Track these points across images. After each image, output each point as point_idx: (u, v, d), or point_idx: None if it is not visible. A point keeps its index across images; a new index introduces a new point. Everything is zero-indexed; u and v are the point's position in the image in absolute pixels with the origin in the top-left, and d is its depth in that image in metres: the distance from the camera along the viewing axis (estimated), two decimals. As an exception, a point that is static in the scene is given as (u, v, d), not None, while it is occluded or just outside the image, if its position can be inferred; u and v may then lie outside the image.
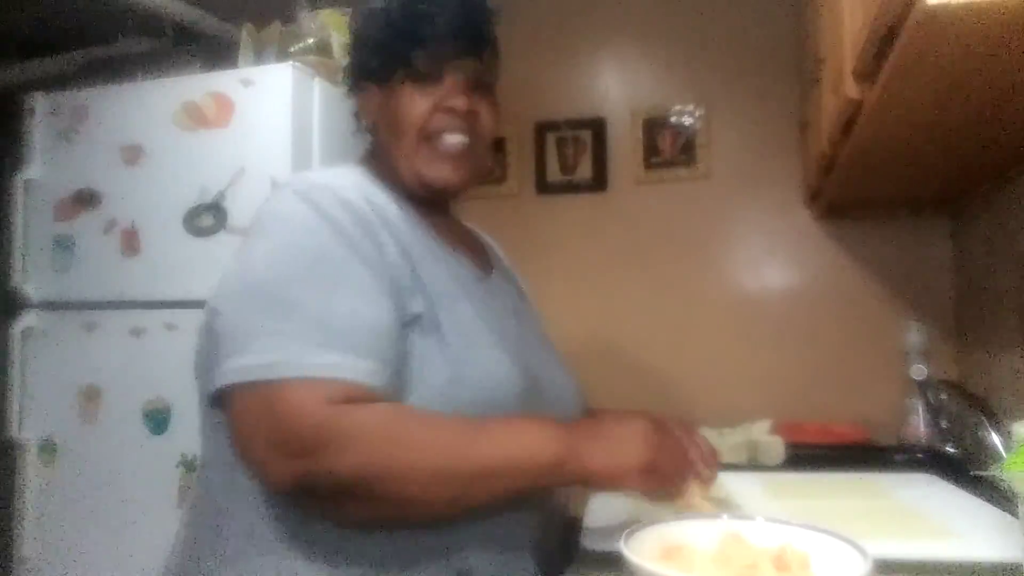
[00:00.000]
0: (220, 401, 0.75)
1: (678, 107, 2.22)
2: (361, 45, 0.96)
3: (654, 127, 2.25)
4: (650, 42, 2.27)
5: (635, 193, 2.25)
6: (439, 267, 0.87)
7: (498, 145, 2.36)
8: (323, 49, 1.83)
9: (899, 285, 2.01)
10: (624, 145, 2.27)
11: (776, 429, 1.53)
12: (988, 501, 1.03)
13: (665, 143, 2.24)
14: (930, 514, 0.99)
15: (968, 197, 1.76)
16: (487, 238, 1.17)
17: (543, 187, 2.33)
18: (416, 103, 0.89)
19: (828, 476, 1.27)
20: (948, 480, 1.24)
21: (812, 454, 1.49)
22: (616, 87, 2.29)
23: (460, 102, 0.90)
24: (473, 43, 0.93)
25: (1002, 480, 0.72)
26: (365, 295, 0.76)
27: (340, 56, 1.87)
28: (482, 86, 0.94)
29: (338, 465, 0.68)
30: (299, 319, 0.73)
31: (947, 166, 1.44)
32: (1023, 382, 1.42)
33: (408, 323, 0.79)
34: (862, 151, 1.30)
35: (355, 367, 0.72)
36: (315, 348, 0.71)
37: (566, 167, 2.31)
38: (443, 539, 0.79)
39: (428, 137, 0.90)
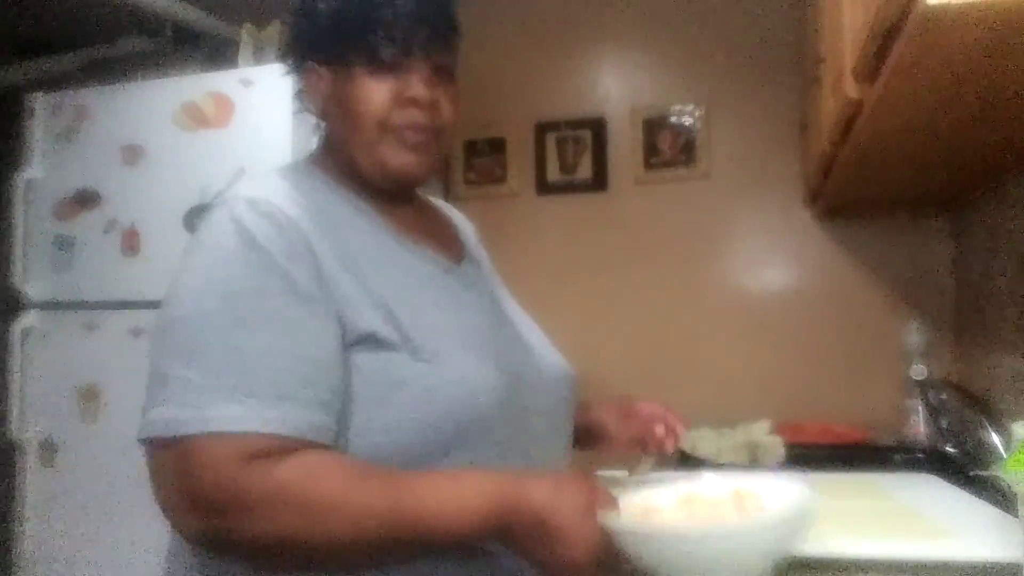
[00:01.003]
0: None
1: (678, 107, 2.23)
2: (309, 21, 0.87)
3: (654, 127, 2.25)
4: (650, 42, 2.27)
5: (635, 193, 2.25)
6: (396, 271, 0.82)
7: (498, 145, 2.36)
8: (323, 49, 1.82)
9: (899, 285, 2.01)
10: (624, 145, 2.27)
11: (776, 429, 1.53)
12: (988, 501, 1.03)
13: (665, 143, 2.24)
14: (930, 514, 0.99)
15: (968, 197, 1.76)
16: (457, 216, 1.08)
17: (543, 187, 2.33)
18: (375, 93, 0.82)
19: (828, 476, 1.27)
20: (948, 480, 1.24)
21: (812, 454, 1.49)
22: (616, 87, 2.29)
23: (423, 93, 0.83)
24: (439, 28, 0.87)
25: (1002, 480, 0.72)
26: (285, 330, 0.71)
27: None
28: (445, 75, 0.88)
29: (243, 528, 0.65)
30: (205, 365, 0.68)
31: (947, 166, 1.44)
32: (1023, 382, 1.42)
33: (360, 341, 0.74)
34: (862, 151, 1.30)
35: (264, 418, 0.67)
36: (220, 401, 0.66)
37: (566, 167, 2.31)
38: None
39: (391, 128, 0.83)
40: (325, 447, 0.70)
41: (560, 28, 2.32)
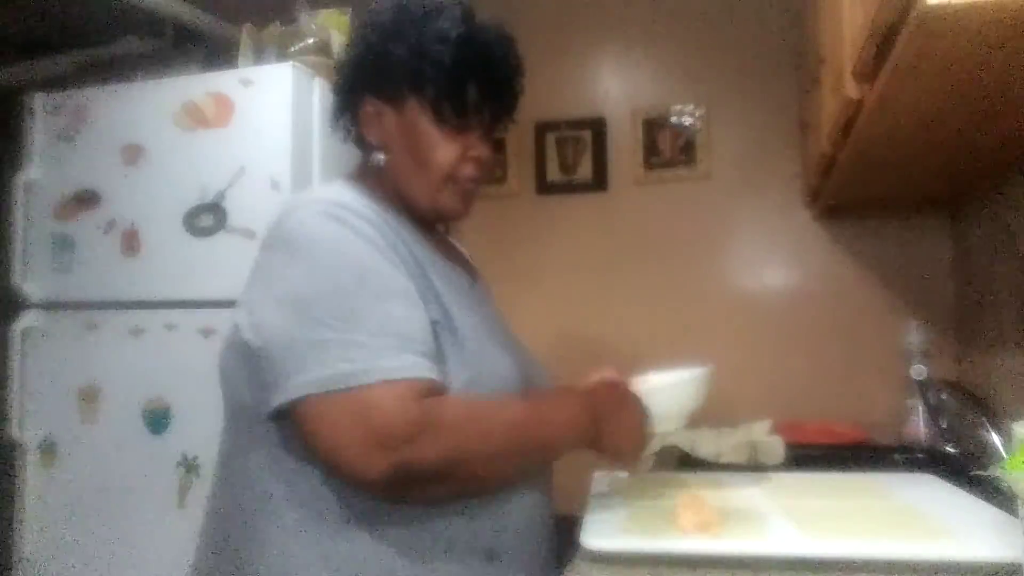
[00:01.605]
0: (281, 414, 0.81)
1: (678, 107, 2.23)
2: (379, 57, 0.94)
3: (654, 127, 2.25)
4: (650, 42, 2.27)
5: (635, 193, 2.25)
6: (442, 276, 0.93)
7: (498, 145, 2.36)
8: (323, 49, 1.83)
9: (899, 285, 2.01)
10: (624, 145, 2.27)
11: (776, 429, 1.53)
12: (988, 501, 1.03)
13: (665, 143, 2.24)
14: (930, 514, 0.98)
15: (968, 197, 1.76)
16: (460, 246, 1.22)
17: (543, 187, 2.33)
18: (446, 147, 0.93)
19: (828, 476, 1.27)
20: (948, 480, 1.23)
21: (812, 454, 1.49)
22: (616, 87, 2.29)
23: (484, 152, 0.96)
24: (510, 100, 0.99)
25: (1002, 480, 0.72)
26: (411, 301, 0.84)
27: (340, 55, 1.87)
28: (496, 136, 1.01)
29: (431, 452, 0.77)
30: (365, 328, 0.79)
31: (947, 166, 1.44)
32: (1023, 382, 1.42)
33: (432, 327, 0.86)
34: (862, 151, 1.30)
35: (425, 366, 0.80)
36: (389, 352, 0.78)
37: (566, 167, 2.31)
38: (472, 525, 0.86)
39: (455, 180, 0.95)
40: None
41: (560, 28, 2.32)
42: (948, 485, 1.16)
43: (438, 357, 0.84)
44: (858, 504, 1.05)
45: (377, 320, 0.80)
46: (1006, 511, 0.93)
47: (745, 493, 1.12)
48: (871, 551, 0.82)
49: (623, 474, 1.22)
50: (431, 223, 1.02)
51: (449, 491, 0.82)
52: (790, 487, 1.17)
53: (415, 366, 0.79)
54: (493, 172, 0.98)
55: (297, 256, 0.84)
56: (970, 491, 1.10)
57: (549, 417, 0.88)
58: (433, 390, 0.80)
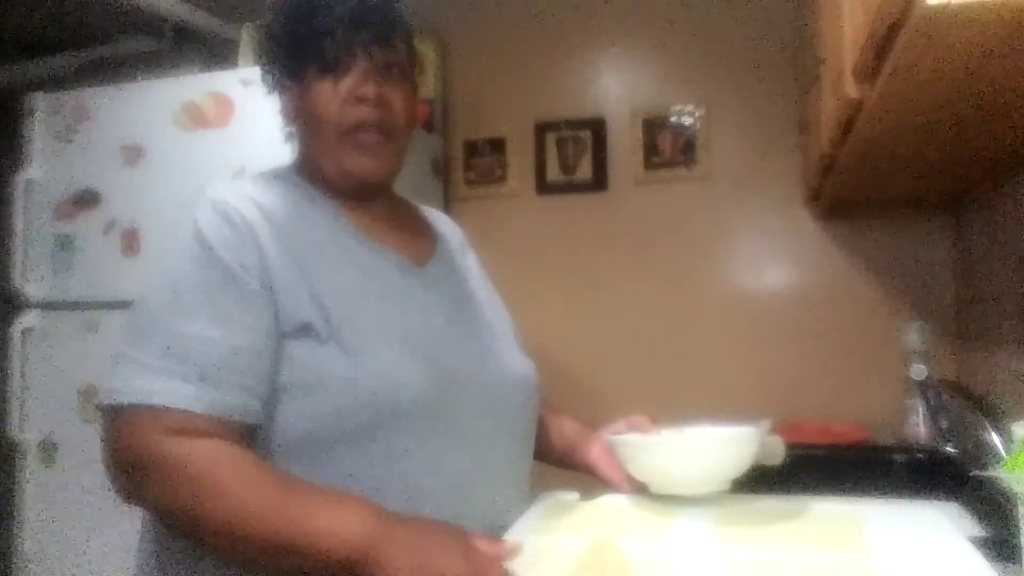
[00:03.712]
0: None
1: (678, 107, 2.22)
2: (273, 43, 0.95)
3: (654, 127, 2.25)
4: (650, 42, 2.27)
5: (635, 193, 2.25)
6: (347, 268, 0.88)
7: (498, 145, 2.36)
8: (323, 49, 1.83)
9: (899, 285, 2.01)
10: (624, 145, 2.26)
11: (776, 429, 1.53)
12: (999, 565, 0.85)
13: (665, 143, 2.24)
14: None
15: (968, 197, 1.76)
16: (443, 221, 1.13)
17: (543, 187, 2.33)
18: (328, 96, 0.89)
19: (808, 503, 1.06)
20: (971, 510, 1.05)
21: (812, 454, 1.49)
22: (616, 87, 2.29)
23: (369, 90, 0.89)
24: (379, 28, 0.91)
25: (1002, 480, 0.72)
26: (220, 320, 0.78)
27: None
28: (395, 72, 0.92)
29: (146, 491, 0.74)
30: (148, 346, 0.76)
31: (947, 166, 1.44)
32: (1022, 385, 1.42)
33: (297, 332, 0.81)
34: (862, 151, 1.30)
35: (190, 396, 0.74)
36: (154, 375, 0.74)
37: (566, 167, 2.31)
38: None
39: (346, 133, 0.89)
40: (247, 427, 0.78)
41: (560, 28, 2.32)
42: (957, 532, 0.91)
43: (266, 379, 0.78)
44: (814, 561, 0.85)
45: (165, 339, 0.76)
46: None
47: (681, 539, 0.94)
48: None
49: (571, 497, 1.11)
50: (360, 195, 0.94)
51: (198, 545, 0.76)
52: (744, 526, 0.97)
53: (174, 393, 0.73)
54: (397, 114, 0.93)
55: (152, 264, 0.87)
56: (987, 540, 0.93)
57: (311, 515, 0.70)
58: (194, 424, 0.73)
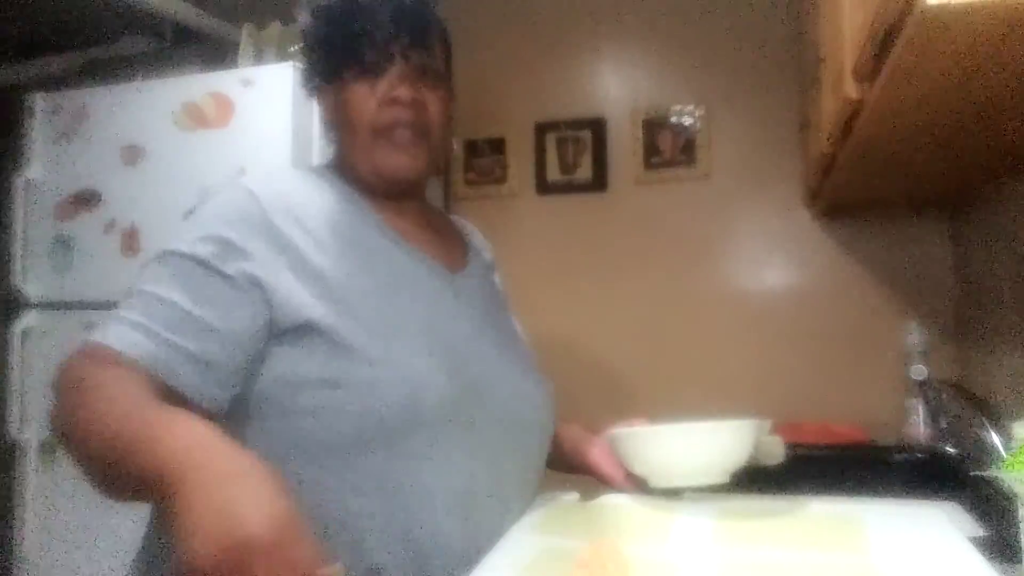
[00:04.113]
0: None
1: (678, 107, 2.23)
2: (311, 46, 0.97)
3: (654, 127, 2.25)
4: (650, 42, 2.27)
5: (635, 193, 2.25)
6: (379, 267, 0.88)
7: (498, 145, 2.36)
8: (323, 49, 1.82)
9: (899, 285, 2.01)
10: (624, 145, 2.27)
11: (776, 429, 1.53)
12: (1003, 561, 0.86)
13: (665, 143, 2.24)
14: None
15: (968, 197, 1.76)
16: (476, 236, 1.17)
17: (543, 187, 2.33)
18: (364, 98, 0.90)
19: (808, 503, 1.07)
20: (972, 511, 1.03)
21: (812, 454, 1.49)
22: (616, 87, 2.29)
23: (404, 92, 0.90)
24: (416, 32, 0.92)
25: (1002, 480, 0.72)
26: (192, 292, 0.78)
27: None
28: (430, 75, 0.94)
29: (53, 410, 0.73)
30: (129, 303, 0.79)
31: (947, 166, 1.44)
32: (1023, 385, 1.42)
33: (316, 327, 0.80)
34: (862, 151, 1.30)
35: (138, 343, 0.75)
36: (121, 325, 0.76)
37: (566, 167, 2.31)
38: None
39: (380, 132, 0.90)
40: (191, 402, 0.75)
41: (560, 28, 2.32)
42: (957, 533, 0.91)
43: (240, 366, 0.78)
44: (813, 561, 0.86)
45: (139, 298, 0.79)
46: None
47: (680, 539, 0.95)
48: None
49: (571, 497, 1.11)
50: (396, 196, 0.96)
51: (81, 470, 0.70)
52: (745, 526, 0.98)
53: (125, 338, 0.75)
54: (432, 117, 0.94)
55: None
56: (987, 540, 0.91)
57: (148, 423, 0.63)
58: (121, 362, 0.73)
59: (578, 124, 2.30)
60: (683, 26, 2.23)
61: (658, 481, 0.98)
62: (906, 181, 1.60)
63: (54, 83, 2.08)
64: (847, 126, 1.20)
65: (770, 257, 2.13)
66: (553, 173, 2.32)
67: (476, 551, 0.83)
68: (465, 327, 0.93)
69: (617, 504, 1.08)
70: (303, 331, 0.81)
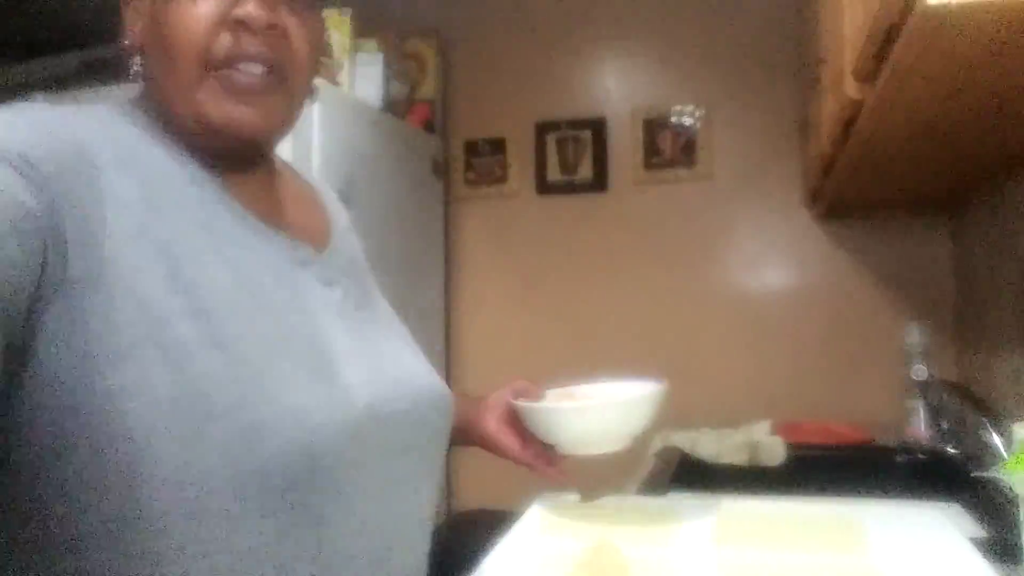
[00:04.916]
0: None
1: (678, 107, 2.22)
2: None
3: (654, 127, 2.25)
4: (650, 42, 2.27)
5: (635, 193, 2.25)
6: (222, 258, 0.60)
7: (498, 145, 2.36)
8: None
9: (899, 285, 2.01)
10: (624, 145, 2.26)
11: (776, 430, 1.53)
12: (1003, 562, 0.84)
13: (665, 143, 2.24)
14: None
15: (968, 197, 1.76)
16: (328, 193, 0.86)
17: (543, 187, 2.32)
18: (193, 15, 0.60)
19: (809, 504, 1.09)
20: (972, 512, 1.05)
21: (813, 455, 1.48)
22: (616, 87, 2.29)
23: (258, 13, 0.61)
24: None
25: (1002, 481, 0.72)
26: None
27: (340, 55, 1.87)
28: None
29: None
30: None
31: (948, 166, 1.44)
32: (1023, 386, 1.42)
33: (145, 343, 0.51)
34: (862, 151, 1.30)
35: None
36: None
37: (566, 167, 2.31)
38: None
39: (216, 67, 0.61)
40: None
41: (560, 28, 2.32)
42: (957, 534, 0.93)
43: None
44: (814, 562, 0.86)
45: None
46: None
47: (684, 533, 0.96)
48: None
49: (571, 498, 1.08)
50: (230, 158, 0.66)
51: None
52: (746, 526, 0.99)
53: None
54: (297, 50, 0.64)
55: None
56: (987, 541, 0.93)
57: None
58: None
59: (578, 124, 2.30)
60: (683, 26, 2.23)
61: (566, 451, 0.97)
62: (906, 181, 1.60)
63: (54, 83, 2.08)
64: (847, 126, 1.20)
65: (770, 257, 2.13)
66: (553, 173, 2.32)
67: None
68: (344, 327, 0.68)
69: (617, 506, 1.09)
70: (146, 348, 0.51)
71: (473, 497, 2.21)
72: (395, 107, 2.09)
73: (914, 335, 1.79)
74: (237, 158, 0.67)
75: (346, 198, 1.78)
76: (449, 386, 0.81)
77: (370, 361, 0.68)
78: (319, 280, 0.69)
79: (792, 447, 1.46)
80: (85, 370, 0.49)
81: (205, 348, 0.53)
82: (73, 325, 0.49)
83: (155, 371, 0.51)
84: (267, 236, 0.65)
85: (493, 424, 0.97)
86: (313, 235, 0.73)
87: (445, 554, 0.84)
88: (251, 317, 0.58)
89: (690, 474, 1.40)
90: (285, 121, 0.67)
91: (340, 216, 0.83)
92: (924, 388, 1.55)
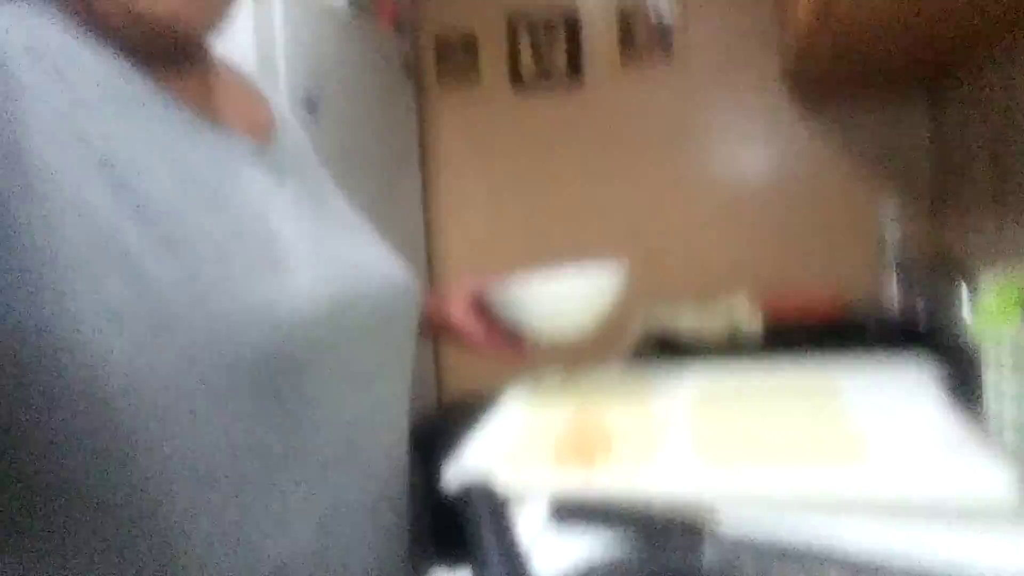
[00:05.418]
0: None
1: (652, -7, 2.17)
2: None
3: (629, 17, 2.19)
4: (621, -76, 2.18)
5: (611, 85, 2.21)
6: (170, 157, 0.56)
7: (470, 42, 2.30)
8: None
9: (876, 162, 2.02)
10: (599, 37, 2.21)
11: (755, 302, 1.56)
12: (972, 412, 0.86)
13: (641, 33, 2.19)
14: (872, 426, 0.82)
15: (945, 75, 1.74)
16: (265, 87, 0.79)
17: (517, 82, 2.28)
18: None
19: (784, 365, 1.13)
20: (939, 360, 1.07)
21: (790, 328, 1.52)
22: (588, -26, 2.22)
23: None
24: None
25: (970, 338, 0.74)
26: None
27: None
28: None
29: None
30: None
31: (925, 42, 1.42)
32: (997, 252, 1.45)
33: (101, 248, 0.48)
34: (839, 30, 1.28)
35: None
36: None
37: (540, 62, 2.26)
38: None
39: None
40: None
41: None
42: (924, 377, 1.00)
43: None
44: (791, 419, 0.90)
45: None
46: (988, 433, 0.78)
47: (664, 401, 0.99)
48: (746, 484, 0.70)
49: (551, 378, 1.11)
50: (164, 55, 0.59)
51: None
52: (726, 389, 1.03)
53: None
54: None
55: None
56: (955, 385, 0.95)
57: None
58: None
59: (551, 17, 2.24)
60: (655, -95, 2.15)
61: (529, 334, 1.00)
62: (884, 59, 1.58)
63: None
64: (825, 4, 1.18)
65: (747, 141, 2.13)
66: (527, 68, 2.27)
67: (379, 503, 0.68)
68: (302, 218, 0.65)
69: (598, 380, 1.12)
70: (81, 263, 0.48)
71: (461, 387, 2.26)
72: (361, 4, 2.02)
73: (890, 210, 1.81)
74: (169, 54, 0.60)
75: (315, 102, 1.74)
76: (432, 288, 0.78)
77: (329, 253, 0.65)
78: (268, 176, 0.64)
79: (769, 318, 1.50)
80: (34, 286, 0.45)
81: (156, 253, 0.50)
82: (11, 241, 0.45)
83: (107, 281, 0.48)
84: (209, 132, 0.60)
85: (457, 313, 0.97)
86: (256, 131, 0.68)
87: (434, 441, 0.86)
88: (200, 217, 0.54)
89: (670, 348, 1.43)
90: (219, 11, 0.60)
91: (283, 110, 0.79)
92: (898, 261, 1.58)
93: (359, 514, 0.65)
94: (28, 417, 0.47)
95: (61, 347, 0.46)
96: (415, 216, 2.25)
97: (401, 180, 2.18)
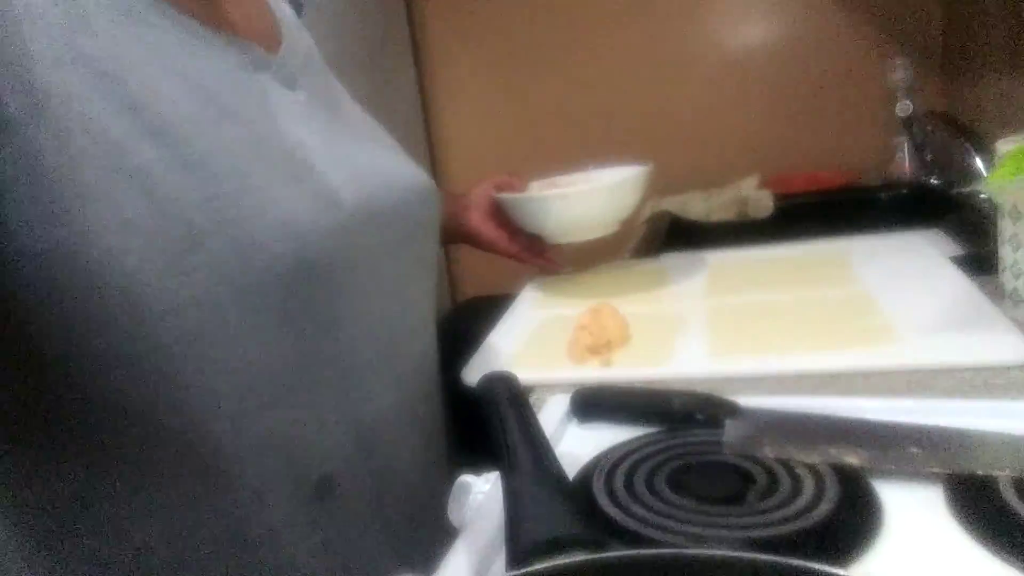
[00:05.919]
0: None
1: None
2: None
3: None
4: None
5: (606, -44, 2.10)
6: (178, 71, 0.54)
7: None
8: None
9: (885, 24, 1.94)
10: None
11: (765, 183, 1.54)
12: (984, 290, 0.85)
13: None
14: (893, 308, 0.82)
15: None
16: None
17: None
18: None
19: (797, 247, 1.12)
20: (954, 238, 1.07)
21: (800, 202, 1.51)
22: None
23: None
24: None
25: (984, 193, 0.73)
26: None
27: None
28: None
29: None
30: None
31: None
32: (1009, 109, 1.41)
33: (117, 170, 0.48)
34: None
35: None
36: None
37: (529, -65, 2.14)
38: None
39: None
40: None
41: None
42: (938, 254, 0.98)
43: None
44: (803, 297, 0.91)
45: None
46: (1000, 307, 0.79)
47: (675, 294, 1.00)
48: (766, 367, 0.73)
49: (564, 270, 1.11)
50: None
51: None
52: (738, 271, 1.04)
53: None
54: None
55: None
56: (971, 272, 0.91)
57: None
58: None
59: None
60: None
61: (554, 239, 1.02)
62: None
63: None
64: None
65: (752, 10, 2.04)
66: (516, -56, 2.15)
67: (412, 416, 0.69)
68: (313, 127, 0.64)
69: (611, 271, 1.13)
70: (100, 186, 0.47)
71: (474, 288, 2.28)
72: None
73: (900, 71, 1.75)
74: None
75: (300, 1, 1.66)
76: (436, 185, 0.78)
77: (348, 161, 0.64)
78: (279, 82, 0.63)
79: (779, 198, 1.48)
80: (59, 212, 0.45)
81: (174, 171, 0.49)
82: (29, 169, 0.45)
83: (127, 203, 0.47)
84: (215, 41, 0.58)
85: (477, 218, 0.98)
86: (263, 37, 0.66)
87: (451, 340, 0.87)
88: (215, 130, 0.53)
89: (681, 236, 1.43)
90: None
91: (287, 14, 0.76)
92: (909, 123, 1.55)
93: (398, 418, 0.66)
94: (75, 343, 0.48)
95: (94, 270, 0.46)
96: (413, 111, 2.19)
97: (395, 75, 2.12)
